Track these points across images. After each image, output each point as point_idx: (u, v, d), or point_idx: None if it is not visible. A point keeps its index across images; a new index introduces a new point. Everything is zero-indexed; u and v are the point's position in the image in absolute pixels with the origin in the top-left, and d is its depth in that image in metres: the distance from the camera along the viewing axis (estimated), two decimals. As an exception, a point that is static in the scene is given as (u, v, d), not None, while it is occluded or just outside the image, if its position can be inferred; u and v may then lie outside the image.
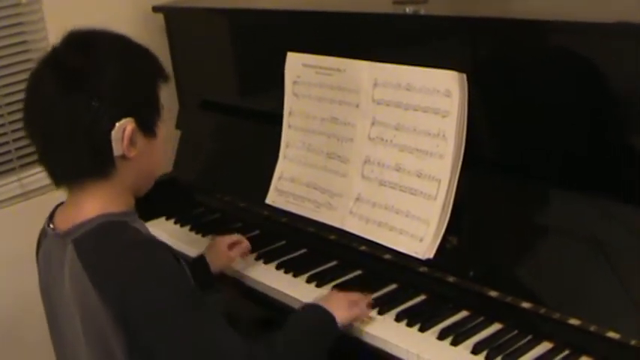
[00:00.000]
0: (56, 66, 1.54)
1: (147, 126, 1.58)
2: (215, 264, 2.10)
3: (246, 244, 2.17)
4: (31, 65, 2.60)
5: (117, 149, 1.53)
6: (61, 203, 1.67)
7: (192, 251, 2.27)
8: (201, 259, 2.10)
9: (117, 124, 1.51)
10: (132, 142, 1.54)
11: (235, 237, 2.18)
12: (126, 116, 1.52)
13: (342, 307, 1.78)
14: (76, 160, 1.54)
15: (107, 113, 1.50)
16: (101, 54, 1.54)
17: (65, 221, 1.59)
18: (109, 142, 1.52)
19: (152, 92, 1.61)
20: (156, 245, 1.54)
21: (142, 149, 1.57)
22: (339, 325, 1.75)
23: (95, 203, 1.56)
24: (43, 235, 1.68)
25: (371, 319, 1.86)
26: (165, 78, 1.64)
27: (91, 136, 1.51)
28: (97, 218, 1.55)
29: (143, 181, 1.66)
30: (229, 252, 2.13)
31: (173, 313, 1.48)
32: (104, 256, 1.51)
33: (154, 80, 1.61)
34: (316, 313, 1.76)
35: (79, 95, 1.49)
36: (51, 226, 1.63)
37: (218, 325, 1.54)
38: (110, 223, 1.55)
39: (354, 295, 1.85)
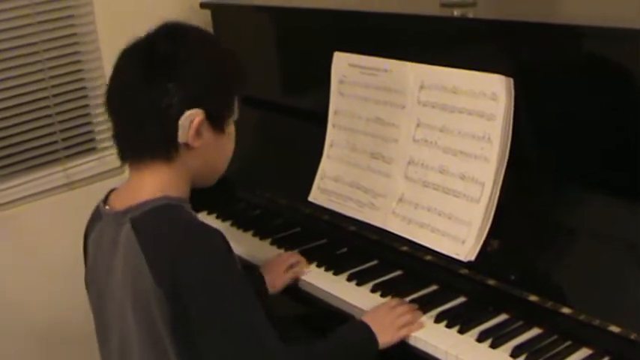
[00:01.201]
0: (146, 49, 1.60)
1: (216, 120, 1.63)
2: (271, 286, 2.09)
3: (301, 270, 2.14)
4: (80, 58, 2.69)
5: (182, 136, 1.58)
6: (114, 188, 1.71)
7: (232, 246, 2.29)
8: (256, 273, 2.10)
9: (186, 112, 1.56)
10: (198, 132, 1.59)
11: (296, 257, 2.17)
12: (197, 106, 1.57)
13: (389, 330, 1.80)
14: (145, 139, 1.59)
15: (181, 100, 1.56)
16: (191, 44, 1.61)
17: (122, 201, 1.63)
18: (177, 128, 1.57)
19: (229, 91, 1.66)
20: (211, 230, 1.57)
21: (208, 142, 1.62)
22: (380, 347, 1.78)
23: (155, 184, 1.60)
24: (96, 217, 1.70)
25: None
26: (244, 83, 1.70)
27: (162, 119, 1.56)
28: (156, 200, 1.58)
29: (205, 174, 1.70)
30: (285, 276, 2.11)
31: (222, 298, 1.51)
32: (160, 236, 1.54)
33: (234, 81, 1.67)
34: (362, 332, 1.79)
35: (160, 78, 1.56)
36: (107, 207, 1.67)
37: (262, 320, 1.56)
38: (168, 205, 1.59)
39: (406, 317, 1.83)
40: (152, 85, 1.56)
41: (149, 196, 1.59)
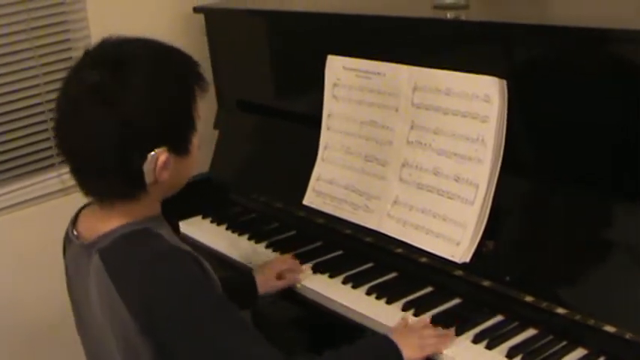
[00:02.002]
0: (88, 87, 1.45)
1: (181, 148, 1.52)
2: (261, 287, 2.07)
3: (296, 278, 2.12)
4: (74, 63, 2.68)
5: (149, 177, 1.47)
6: (84, 207, 1.64)
7: (228, 250, 2.30)
8: (249, 278, 2.08)
9: (149, 156, 1.45)
10: (165, 167, 1.49)
11: (290, 263, 2.15)
12: (159, 145, 1.46)
13: (415, 346, 1.71)
14: (106, 184, 1.49)
15: (139, 144, 1.44)
16: (133, 78, 1.44)
17: (90, 230, 1.56)
18: (142, 172, 1.46)
19: (187, 112, 1.52)
20: (181, 255, 1.51)
21: (175, 168, 1.51)
22: None
23: (122, 216, 1.53)
24: (67, 239, 1.65)
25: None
26: (203, 88, 1.55)
27: (121, 166, 1.46)
28: (121, 228, 1.52)
29: (173, 190, 1.60)
30: (277, 282, 2.08)
31: (201, 326, 1.46)
32: (130, 268, 1.47)
33: (190, 97, 1.52)
34: (386, 347, 1.70)
35: (110, 124, 1.42)
36: (75, 232, 1.60)
37: (248, 336, 1.51)
38: (134, 232, 1.52)
39: (431, 339, 1.76)
40: (103, 132, 1.43)
41: (114, 226, 1.52)
